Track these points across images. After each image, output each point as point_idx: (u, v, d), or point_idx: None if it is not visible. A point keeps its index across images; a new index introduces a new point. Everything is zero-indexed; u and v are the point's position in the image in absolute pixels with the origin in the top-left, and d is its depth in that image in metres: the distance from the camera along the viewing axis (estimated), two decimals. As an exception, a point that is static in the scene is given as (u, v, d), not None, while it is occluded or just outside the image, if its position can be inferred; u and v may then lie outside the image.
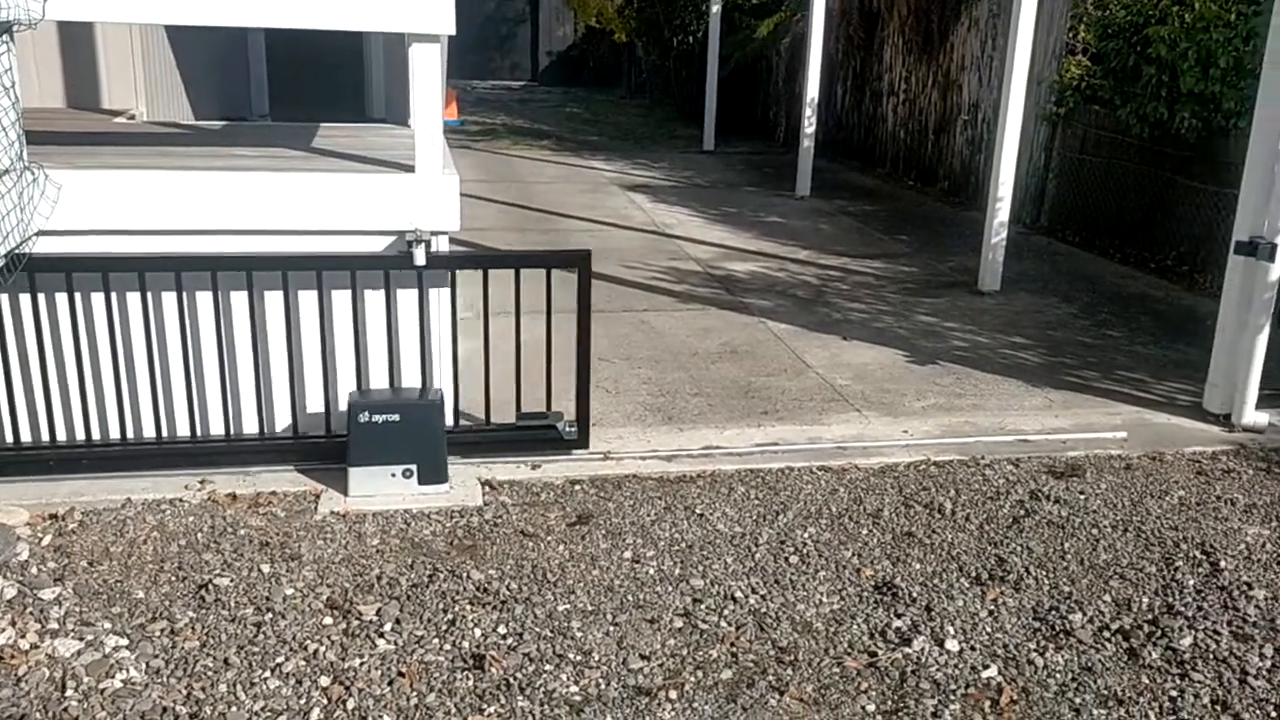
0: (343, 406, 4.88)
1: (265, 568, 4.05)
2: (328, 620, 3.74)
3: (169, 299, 4.69)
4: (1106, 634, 3.80)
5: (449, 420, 4.95)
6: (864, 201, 12.32)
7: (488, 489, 4.79)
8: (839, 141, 15.48)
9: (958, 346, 7.02)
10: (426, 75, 4.69)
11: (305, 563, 4.11)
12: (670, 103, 20.85)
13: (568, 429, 5.11)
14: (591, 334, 5.00)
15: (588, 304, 4.95)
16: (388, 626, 3.71)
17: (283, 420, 4.96)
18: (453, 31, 4.65)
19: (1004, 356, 6.84)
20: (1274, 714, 3.38)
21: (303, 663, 3.50)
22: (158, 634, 3.62)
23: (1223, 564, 4.29)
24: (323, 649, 3.57)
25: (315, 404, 4.96)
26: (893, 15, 13.93)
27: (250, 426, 4.95)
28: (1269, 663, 3.64)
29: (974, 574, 4.18)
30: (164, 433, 4.80)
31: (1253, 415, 5.71)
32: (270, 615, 3.75)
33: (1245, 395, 5.70)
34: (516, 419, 5.10)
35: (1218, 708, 3.41)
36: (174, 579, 3.96)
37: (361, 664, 3.50)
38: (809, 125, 11.97)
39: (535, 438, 5.09)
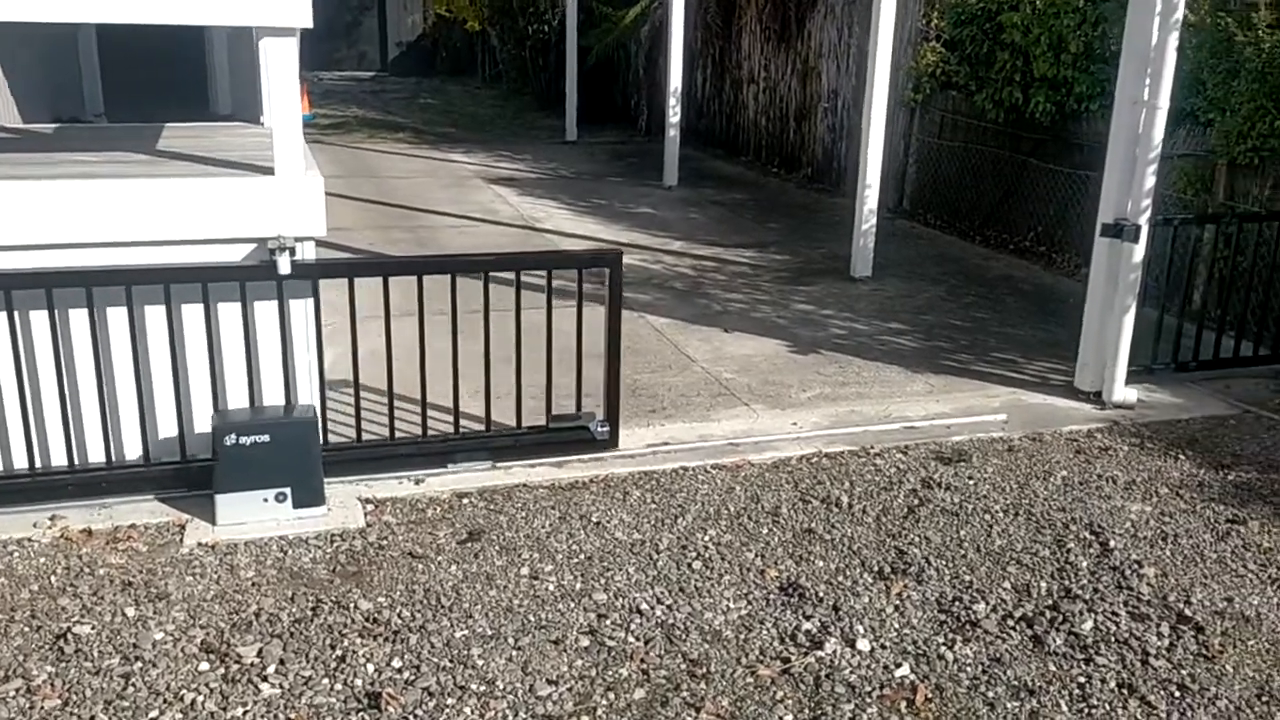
0: (206, 428, 4.54)
1: (130, 611, 3.72)
2: (204, 665, 3.45)
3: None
4: (1011, 622, 3.81)
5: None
6: (731, 190, 12.34)
7: (369, 508, 4.53)
8: (701, 130, 15.49)
9: (837, 334, 7.04)
10: (283, 71, 4.38)
11: (174, 602, 3.79)
12: (528, 92, 20.52)
13: (600, 429, 5.01)
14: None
15: (619, 303, 4.94)
16: (271, 668, 3.44)
17: (137, 447, 4.59)
18: (309, 24, 4.36)
19: (882, 343, 6.89)
20: (1177, 694, 3.43)
21: (180, 715, 3.21)
22: (12, 694, 3.27)
23: (1112, 543, 4.36)
24: (201, 698, 3.29)
25: (172, 428, 4.61)
26: (750, 3, 13.98)
27: (101, 454, 4.55)
28: (1166, 641, 3.70)
29: (876, 568, 4.15)
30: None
31: (1122, 392, 5.87)
32: (139, 664, 3.43)
33: (1115, 373, 5.86)
34: (548, 421, 4.99)
35: (1124, 691, 3.44)
36: (27, 629, 3.60)
37: (245, 712, 3.23)
38: (674, 115, 11.88)
39: (568, 439, 5.00)
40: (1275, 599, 3.97)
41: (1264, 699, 3.41)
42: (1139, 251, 5.68)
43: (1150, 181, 5.57)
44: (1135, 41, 5.50)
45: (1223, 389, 6.15)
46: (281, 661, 3.47)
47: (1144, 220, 5.62)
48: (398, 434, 4.86)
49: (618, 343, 5.00)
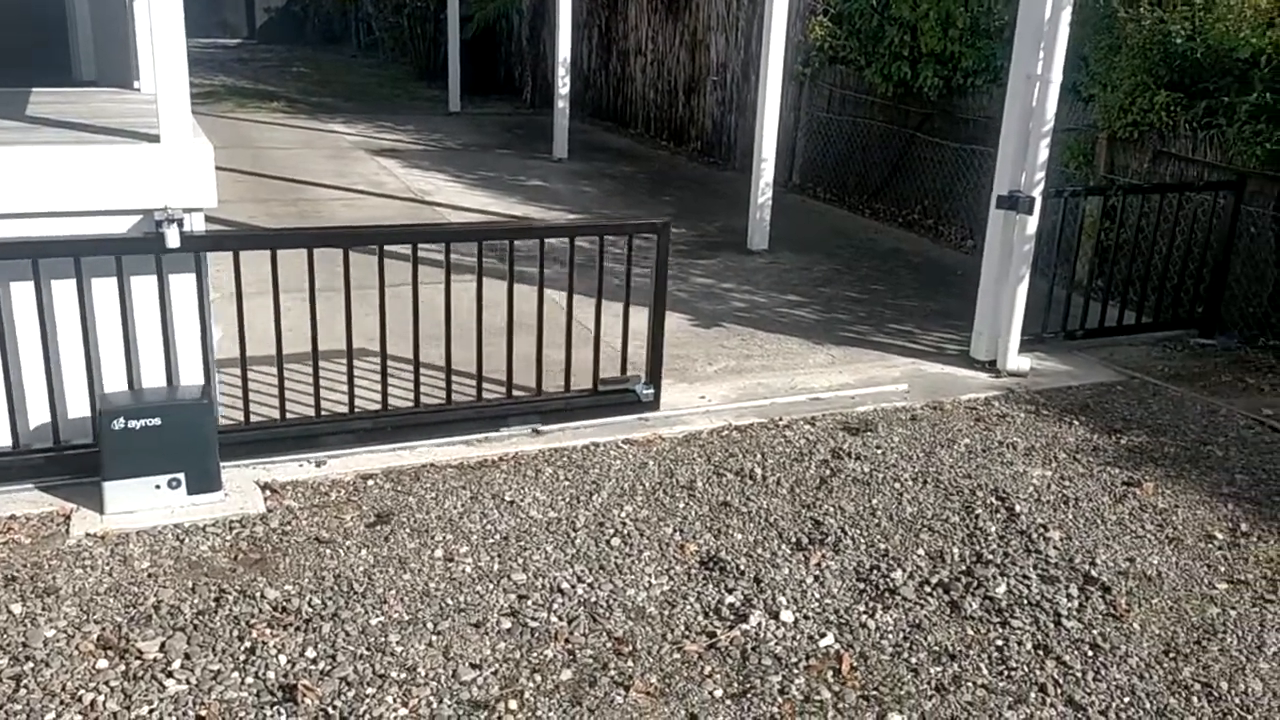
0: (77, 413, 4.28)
1: (16, 608, 3.48)
2: (102, 663, 3.24)
3: None
4: (928, 589, 3.86)
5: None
6: (622, 163, 12.25)
7: (268, 493, 4.34)
8: (587, 101, 15.34)
9: (738, 307, 7.05)
10: (168, 31, 4.13)
11: (64, 597, 3.56)
12: (406, 62, 20.02)
13: (644, 391, 5.22)
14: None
15: (664, 271, 5.23)
16: (176, 663, 3.25)
17: (21, 432, 4.30)
18: (195, -20, 4.12)
19: (782, 315, 6.93)
20: (1090, 653, 3.52)
21: (79, 717, 3.01)
22: (-115, 704, 3.02)
23: (1018, 508, 4.46)
24: (101, 698, 3.09)
25: (45, 412, 4.32)
26: (636, -26, 13.88)
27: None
28: (1076, 602, 3.80)
29: (794, 539, 4.15)
30: None
31: (1016, 360, 6.02)
32: (31, 664, 3.21)
33: (1009, 342, 6.00)
34: (595, 385, 5.18)
35: (1041, 652, 3.52)
36: (-102, 633, 3.33)
37: (151, 711, 3.05)
38: (563, 86, 11.72)
39: (615, 401, 5.20)
40: (1174, 558, 4.12)
41: (1171, 655, 3.53)
42: (1033, 223, 5.82)
43: (1044, 154, 5.71)
44: (1029, 17, 5.61)
45: (1108, 356, 6.37)
46: (187, 656, 3.29)
47: (1038, 192, 5.75)
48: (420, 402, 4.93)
49: (663, 307, 5.23)
